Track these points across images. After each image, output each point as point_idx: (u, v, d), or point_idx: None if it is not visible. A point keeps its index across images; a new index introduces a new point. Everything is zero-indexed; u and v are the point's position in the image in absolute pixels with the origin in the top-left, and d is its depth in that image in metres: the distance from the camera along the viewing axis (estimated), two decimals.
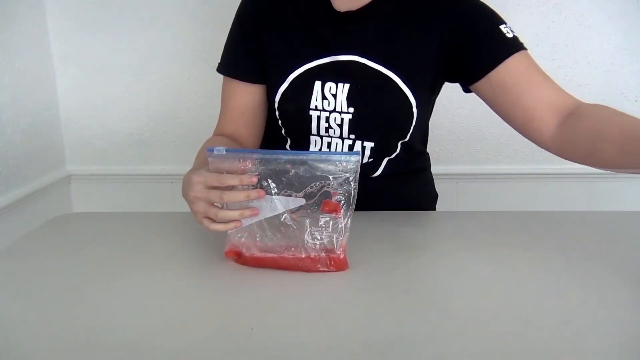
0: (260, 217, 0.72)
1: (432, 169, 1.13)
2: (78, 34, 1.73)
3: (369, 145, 0.94)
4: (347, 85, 0.91)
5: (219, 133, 0.99)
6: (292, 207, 0.72)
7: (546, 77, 0.88)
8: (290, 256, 0.73)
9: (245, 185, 0.71)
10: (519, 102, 0.87)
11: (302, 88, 0.92)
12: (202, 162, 0.83)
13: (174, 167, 1.81)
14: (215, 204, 0.72)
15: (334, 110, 0.92)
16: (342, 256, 0.73)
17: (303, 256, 0.73)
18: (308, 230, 0.72)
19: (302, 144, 0.97)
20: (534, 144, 0.90)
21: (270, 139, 1.03)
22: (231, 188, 0.71)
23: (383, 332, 0.59)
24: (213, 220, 0.73)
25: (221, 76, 1.01)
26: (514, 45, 0.88)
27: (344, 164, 0.70)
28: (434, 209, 1.13)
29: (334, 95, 0.91)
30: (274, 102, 0.95)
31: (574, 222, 0.95)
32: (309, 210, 0.72)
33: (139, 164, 1.84)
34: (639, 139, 0.70)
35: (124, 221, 0.99)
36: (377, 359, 0.55)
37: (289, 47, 0.94)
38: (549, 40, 1.67)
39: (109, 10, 1.71)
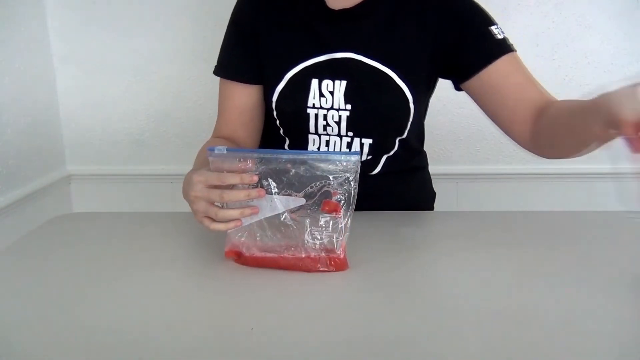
0: (261, 217, 0.72)
1: (432, 169, 1.14)
2: (78, 34, 1.73)
3: (367, 142, 0.95)
4: (344, 83, 0.91)
5: (217, 135, 1.00)
6: (292, 206, 0.72)
7: (531, 80, 0.90)
8: (290, 256, 0.73)
9: (246, 184, 0.71)
10: (504, 103, 0.89)
11: (300, 86, 0.92)
12: (202, 163, 0.83)
13: (174, 167, 1.81)
14: (215, 203, 0.72)
15: (332, 108, 0.92)
16: (342, 256, 0.73)
17: (303, 256, 0.73)
18: (308, 230, 0.72)
19: (300, 143, 0.97)
20: None
21: (269, 139, 1.03)
22: (232, 187, 0.71)
23: (383, 332, 0.59)
24: (213, 220, 0.73)
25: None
26: (504, 47, 0.89)
27: (344, 163, 0.70)
28: (432, 207, 1.13)
29: (332, 93, 0.91)
30: (272, 101, 0.95)
31: (574, 222, 0.95)
32: (309, 210, 0.72)
33: (139, 164, 1.84)
34: (580, 113, 0.73)
35: (124, 221, 0.99)
36: (377, 359, 0.55)
37: (285, 46, 0.94)
38: (549, 40, 1.67)
39: (109, 10, 1.71)
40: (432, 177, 1.14)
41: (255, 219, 0.73)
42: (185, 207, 0.79)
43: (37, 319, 0.64)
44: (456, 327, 0.60)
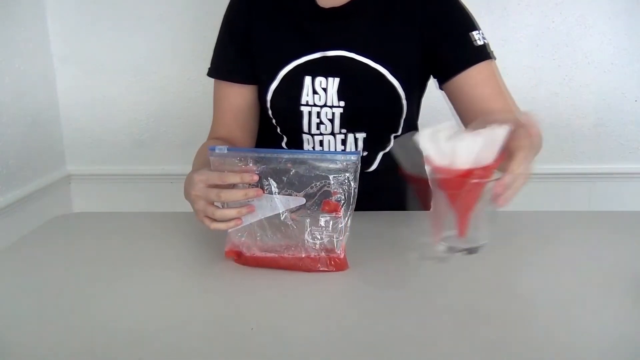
0: (261, 216, 0.72)
1: None
2: (78, 34, 1.73)
3: (361, 136, 0.96)
4: (337, 80, 0.92)
5: (213, 137, 1.00)
6: (292, 206, 0.72)
7: (500, 92, 0.91)
8: (290, 256, 0.73)
9: (246, 183, 0.71)
10: (469, 111, 0.91)
11: (293, 84, 0.93)
12: (202, 164, 0.83)
13: (174, 167, 1.80)
14: (214, 202, 0.72)
15: (325, 105, 0.93)
16: (342, 256, 0.73)
17: (303, 256, 0.73)
18: (308, 229, 0.72)
19: (297, 141, 0.98)
20: None
21: (267, 138, 1.03)
22: (232, 186, 0.71)
23: (383, 332, 0.59)
24: (214, 219, 0.73)
25: None
26: (480, 55, 0.90)
27: (344, 163, 0.71)
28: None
29: (325, 89, 0.92)
30: (266, 100, 0.95)
31: (574, 222, 0.95)
32: (309, 210, 0.72)
33: (139, 164, 1.84)
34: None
35: (124, 221, 0.99)
36: (377, 359, 0.55)
37: (277, 45, 0.95)
38: (549, 40, 1.67)
39: (109, 10, 1.71)
40: None
41: (256, 218, 0.73)
42: (185, 207, 0.79)
43: (37, 319, 0.64)
44: (456, 327, 0.60)
